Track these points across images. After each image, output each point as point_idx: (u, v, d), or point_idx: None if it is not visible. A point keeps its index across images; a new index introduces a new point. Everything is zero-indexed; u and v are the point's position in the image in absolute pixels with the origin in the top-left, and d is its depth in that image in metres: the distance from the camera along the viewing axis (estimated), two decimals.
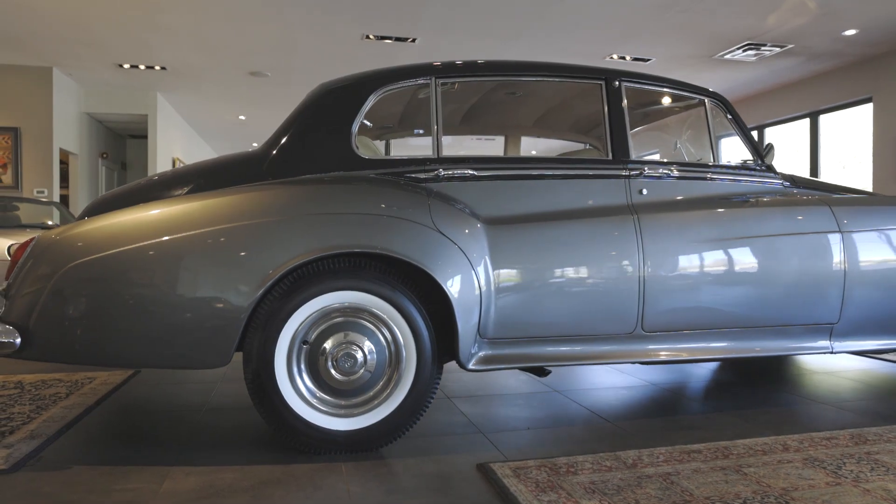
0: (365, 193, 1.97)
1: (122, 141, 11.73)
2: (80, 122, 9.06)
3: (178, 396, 2.72)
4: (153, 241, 1.81)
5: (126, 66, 7.71)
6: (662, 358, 2.23)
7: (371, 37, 6.47)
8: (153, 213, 1.89)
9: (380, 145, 2.74)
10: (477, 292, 1.99)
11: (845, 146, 7.97)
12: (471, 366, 2.01)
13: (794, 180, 2.65)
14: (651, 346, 2.23)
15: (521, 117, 2.79)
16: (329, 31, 6.32)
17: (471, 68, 2.21)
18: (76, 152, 8.92)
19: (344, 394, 1.94)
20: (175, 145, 10.68)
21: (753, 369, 3.25)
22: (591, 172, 2.27)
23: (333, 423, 1.92)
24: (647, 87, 2.43)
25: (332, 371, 1.91)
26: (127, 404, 2.60)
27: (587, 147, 3.10)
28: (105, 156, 10.32)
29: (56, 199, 7.97)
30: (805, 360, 3.47)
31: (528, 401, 2.66)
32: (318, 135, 2.08)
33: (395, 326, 1.96)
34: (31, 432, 2.13)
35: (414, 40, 6.59)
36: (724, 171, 2.48)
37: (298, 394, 1.90)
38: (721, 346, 2.32)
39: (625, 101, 2.34)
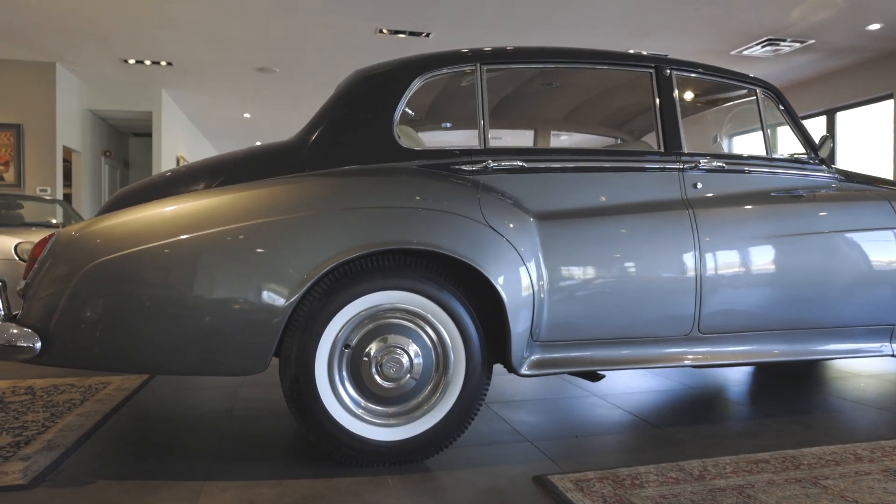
0: (411, 186, 1.83)
1: (125, 139, 11.57)
2: (84, 120, 8.90)
3: (200, 402, 2.58)
4: (183, 237, 1.67)
5: (131, 61, 7.56)
6: (718, 361, 2.10)
7: (384, 31, 6.33)
8: (182, 206, 1.75)
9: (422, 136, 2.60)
10: (529, 291, 1.85)
11: (863, 143, 7.84)
12: (523, 371, 1.88)
13: (847, 175, 2.51)
14: (707, 349, 2.10)
15: (561, 108, 2.66)
16: (342, 24, 6.18)
17: (520, 54, 2.08)
18: (79, 150, 8.76)
19: (388, 401, 1.81)
20: (179, 143, 10.53)
21: (788, 371, 3.12)
22: (646, 165, 2.13)
23: (377, 433, 1.78)
24: (697, 76, 2.30)
25: (377, 377, 1.78)
26: (146, 411, 2.46)
27: (625, 140, 2.97)
28: (108, 154, 10.17)
29: (59, 197, 7.81)
30: (839, 362, 3.33)
31: (569, 405, 2.53)
32: (358, 124, 1.94)
33: (442, 328, 1.82)
34: (47, 443, 1.99)
35: (428, 35, 6.45)
36: (777, 164, 2.34)
37: (340, 402, 1.76)
38: (777, 349, 2.19)
39: (676, 91, 2.21)
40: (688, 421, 2.29)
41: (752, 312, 2.12)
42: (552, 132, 3.00)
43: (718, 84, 2.44)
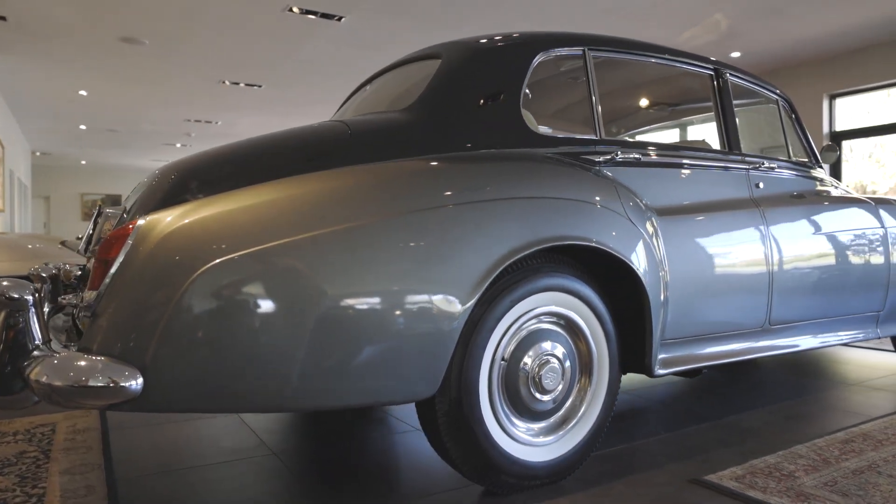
0: (565, 176, 1.65)
1: None
2: None
3: (204, 439, 2.07)
4: (328, 230, 1.30)
5: None
6: (784, 351, 2.24)
7: (295, 10, 5.77)
8: (313, 190, 1.36)
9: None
10: (662, 289, 1.79)
11: None
12: (658, 371, 1.81)
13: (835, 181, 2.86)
14: (776, 340, 2.23)
15: (630, 103, 2.61)
16: None
17: (623, 44, 1.99)
18: None
19: (540, 417, 1.61)
20: None
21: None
22: (728, 165, 2.19)
23: (533, 454, 1.58)
24: (739, 80, 2.42)
25: (534, 391, 1.57)
26: (145, 457, 1.90)
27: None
28: None
29: None
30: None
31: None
32: (482, 105, 1.70)
33: (588, 331, 1.67)
34: None
35: (340, 19, 6.02)
36: (798, 168, 2.57)
37: (500, 423, 1.52)
38: (822, 337, 2.41)
39: (731, 94, 2.31)
40: (732, 410, 2.41)
41: (809, 303, 2.31)
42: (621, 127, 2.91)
43: (749, 90, 2.56)
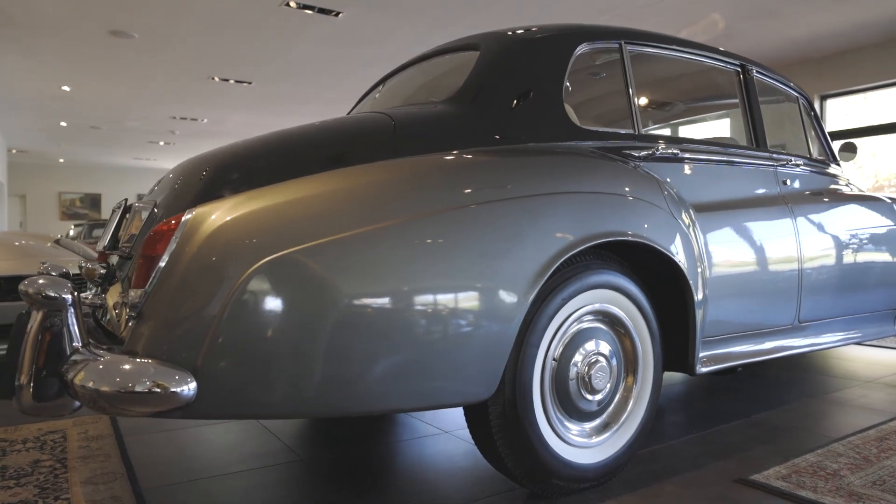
0: (616, 171, 1.61)
1: None
2: None
3: (224, 445, 1.99)
4: (386, 223, 1.24)
5: None
6: (812, 349, 2.24)
7: (293, 4, 5.66)
8: (371, 180, 1.30)
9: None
10: (703, 287, 1.76)
11: None
12: (700, 369, 1.78)
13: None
14: (805, 338, 2.22)
15: (660, 98, 2.57)
16: None
17: (656, 38, 1.95)
18: None
19: (589, 417, 1.57)
20: None
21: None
22: (758, 162, 2.18)
23: (583, 456, 1.54)
24: (764, 78, 2.41)
25: (583, 391, 1.53)
26: (167, 465, 1.82)
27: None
28: None
29: None
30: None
31: None
32: (525, 96, 1.65)
33: (634, 329, 1.64)
34: None
35: (338, 14, 5.93)
36: (818, 165, 2.57)
37: (551, 424, 1.48)
38: (845, 334, 2.41)
39: (757, 90, 2.30)
40: (757, 407, 2.40)
41: (836, 300, 2.30)
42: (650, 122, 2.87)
43: (771, 87, 2.54)
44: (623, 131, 1.79)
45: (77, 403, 1.14)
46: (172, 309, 1.11)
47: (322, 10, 5.87)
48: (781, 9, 5.76)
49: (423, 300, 1.24)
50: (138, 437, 2.06)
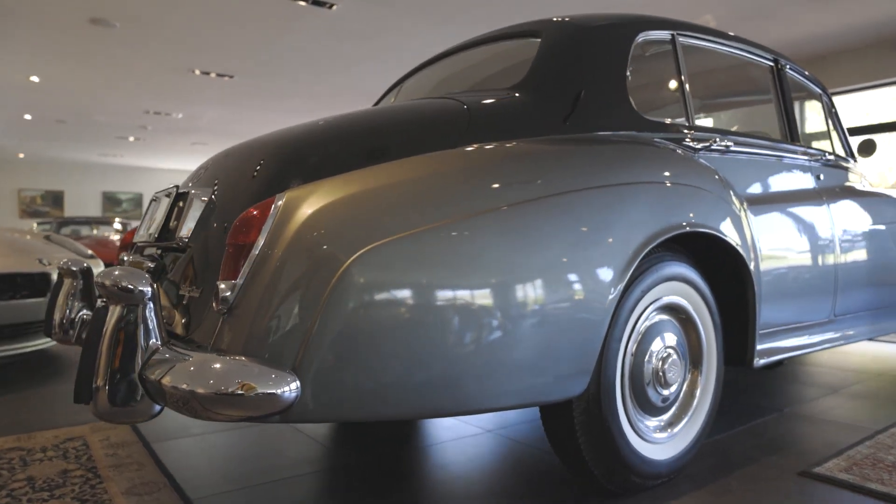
0: (686, 162, 1.58)
1: None
2: None
3: (259, 449, 1.89)
4: (487, 210, 1.17)
5: None
6: (847, 342, 2.26)
7: None
8: (465, 166, 1.24)
9: None
10: (759, 279, 1.75)
11: None
12: (758, 361, 1.77)
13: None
14: (840, 331, 2.24)
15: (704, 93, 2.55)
16: None
17: (704, 31, 1.94)
18: None
19: (660, 411, 1.54)
20: None
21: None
22: (797, 157, 2.19)
23: (657, 451, 1.51)
24: (794, 74, 2.43)
25: (657, 385, 1.50)
26: (207, 472, 1.72)
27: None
28: None
29: None
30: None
31: None
32: (594, 86, 1.61)
33: (699, 322, 1.62)
34: None
35: (332, 6, 5.80)
36: (842, 161, 2.61)
37: (629, 420, 1.44)
38: (874, 326, 2.44)
39: (790, 85, 2.32)
40: (788, 401, 2.42)
41: (867, 294, 2.34)
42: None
43: (798, 82, 2.55)
44: (681, 122, 1.77)
45: (157, 407, 1.05)
46: (268, 302, 1.03)
47: (316, 2, 5.73)
48: (776, 10, 5.88)
49: (523, 291, 1.18)
50: (166, 444, 1.94)
